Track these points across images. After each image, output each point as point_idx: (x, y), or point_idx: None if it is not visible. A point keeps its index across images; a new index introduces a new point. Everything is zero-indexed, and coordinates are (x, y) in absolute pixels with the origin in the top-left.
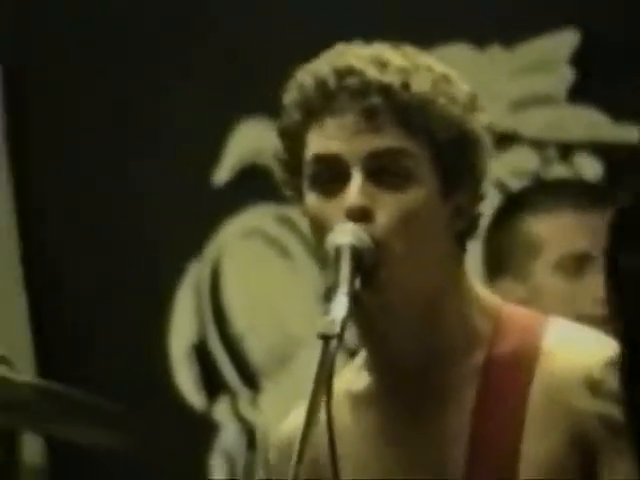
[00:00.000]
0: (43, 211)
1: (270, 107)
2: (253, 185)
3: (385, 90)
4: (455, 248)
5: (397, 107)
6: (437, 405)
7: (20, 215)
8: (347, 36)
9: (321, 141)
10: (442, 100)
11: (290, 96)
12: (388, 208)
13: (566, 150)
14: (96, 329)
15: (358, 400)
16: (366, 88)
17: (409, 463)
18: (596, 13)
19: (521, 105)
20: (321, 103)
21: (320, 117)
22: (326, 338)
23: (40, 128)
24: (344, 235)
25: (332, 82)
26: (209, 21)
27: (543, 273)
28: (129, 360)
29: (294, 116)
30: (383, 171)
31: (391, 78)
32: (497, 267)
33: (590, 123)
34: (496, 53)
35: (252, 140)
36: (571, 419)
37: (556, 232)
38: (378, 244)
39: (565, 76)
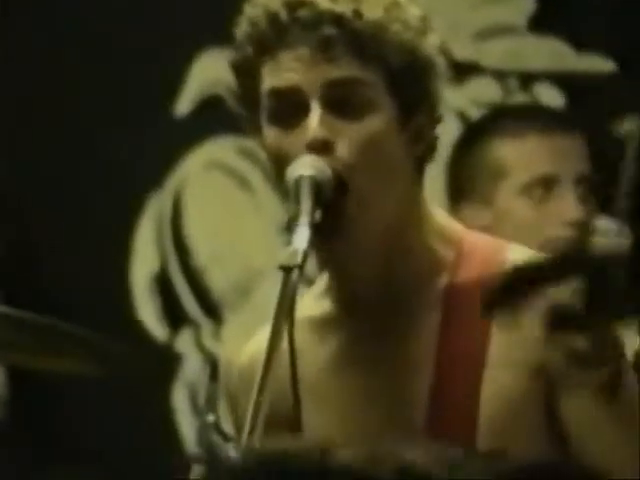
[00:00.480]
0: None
1: (231, 38)
2: (214, 117)
3: (337, 20)
4: (414, 174)
5: (351, 36)
6: (400, 332)
7: None
8: None
9: (277, 74)
10: (395, 26)
11: (241, 31)
12: (348, 138)
13: (527, 80)
14: (59, 261)
15: (318, 326)
16: (318, 19)
17: (371, 390)
18: None
19: (482, 35)
20: (274, 37)
21: (274, 51)
22: (287, 269)
23: None
24: (305, 167)
25: (284, 15)
26: None
27: (509, 197)
28: (91, 292)
29: (247, 51)
30: (341, 101)
31: (343, 7)
32: (461, 193)
33: (551, 53)
34: None
35: (213, 71)
36: (531, 350)
37: (522, 156)
38: (340, 175)
39: (526, 6)
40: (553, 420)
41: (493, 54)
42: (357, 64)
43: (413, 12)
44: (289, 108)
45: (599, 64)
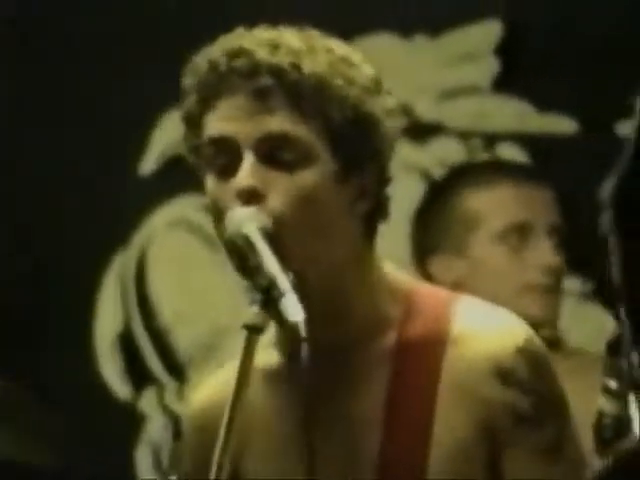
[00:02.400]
0: None
1: None
2: (179, 175)
3: (275, 70)
4: (361, 230)
5: (288, 88)
6: (348, 388)
7: None
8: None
9: (214, 123)
10: (338, 82)
11: (187, 80)
12: (281, 189)
13: (491, 140)
14: (22, 318)
15: (270, 378)
16: (255, 69)
17: (321, 447)
18: (519, 3)
19: (447, 95)
20: (213, 85)
21: (213, 100)
22: (252, 329)
23: None
24: (247, 220)
25: (223, 63)
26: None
27: (484, 246)
28: (54, 350)
29: (191, 100)
30: (275, 153)
31: (281, 59)
32: (430, 247)
33: (515, 113)
34: (421, 43)
35: (177, 131)
36: (479, 407)
37: (496, 204)
38: (272, 231)
39: (490, 66)
40: (496, 478)
41: (457, 114)
42: (294, 117)
43: (364, 71)
44: (225, 157)
45: (562, 125)
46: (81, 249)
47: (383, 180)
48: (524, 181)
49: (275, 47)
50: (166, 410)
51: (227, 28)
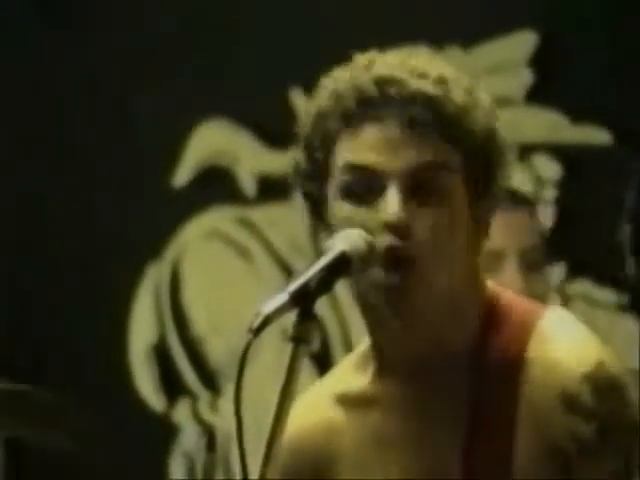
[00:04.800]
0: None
1: (230, 109)
2: (213, 187)
3: (428, 101)
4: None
5: (438, 118)
6: (430, 406)
7: None
8: (308, 39)
9: (357, 150)
10: (476, 111)
11: (322, 102)
12: (425, 223)
13: (525, 151)
14: (56, 331)
15: (356, 402)
16: (409, 98)
17: (409, 464)
18: (553, 14)
19: None
20: (359, 112)
21: (356, 125)
22: (297, 341)
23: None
24: (343, 240)
25: (373, 91)
26: (176, 21)
27: None
28: (89, 362)
29: (327, 124)
30: (420, 185)
31: (433, 88)
32: None
33: (548, 124)
34: (454, 55)
35: (212, 142)
36: (548, 433)
37: None
38: (415, 260)
39: (523, 78)
40: None
41: None
42: (442, 147)
43: (485, 99)
44: (363, 186)
45: (596, 136)
46: (115, 261)
47: (494, 206)
48: (504, 206)
49: (423, 76)
50: (199, 420)
51: (250, 43)
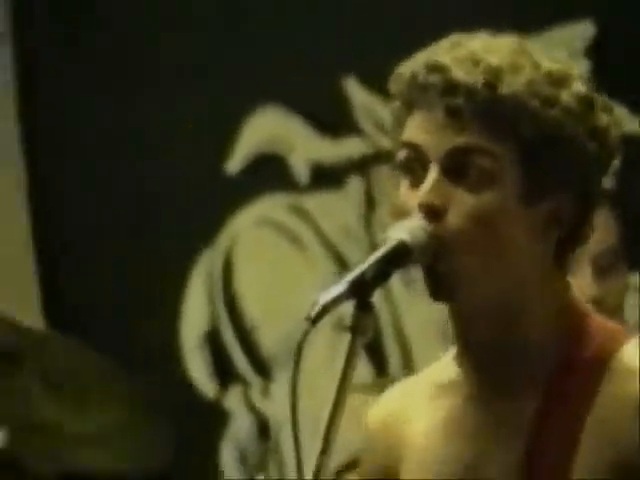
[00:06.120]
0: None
1: (284, 97)
2: (266, 174)
3: (467, 90)
4: (553, 253)
5: (480, 108)
6: (505, 400)
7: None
8: (363, 27)
9: (410, 129)
10: (534, 102)
11: (392, 85)
12: (461, 208)
13: None
14: (112, 317)
15: (438, 392)
16: (449, 87)
17: (471, 459)
18: (610, 5)
19: None
20: (413, 95)
21: (412, 107)
22: (355, 332)
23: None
24: (400, 229)
25: (421, 77)
26: (228, 9)
27: None
28: (142, 350)
29: (396, 105)
30: (461, 169)
31: (477, 78)
32: None
33: None
34: None
35: (266, 129)
36: (618, 448)
37: None
38: (445, 243)
39: (580, 68)
40: None
41: None
42: (485, 135)
43: (574, 89)
44: (418, 166)
45: None
46: (168, 248)
47: (587, 206)
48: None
49: (475, 64)
50: (251, 407)
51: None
